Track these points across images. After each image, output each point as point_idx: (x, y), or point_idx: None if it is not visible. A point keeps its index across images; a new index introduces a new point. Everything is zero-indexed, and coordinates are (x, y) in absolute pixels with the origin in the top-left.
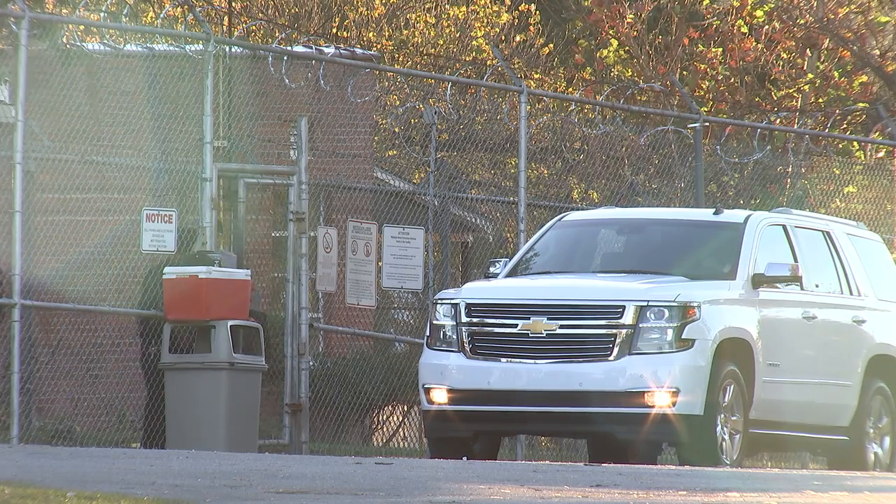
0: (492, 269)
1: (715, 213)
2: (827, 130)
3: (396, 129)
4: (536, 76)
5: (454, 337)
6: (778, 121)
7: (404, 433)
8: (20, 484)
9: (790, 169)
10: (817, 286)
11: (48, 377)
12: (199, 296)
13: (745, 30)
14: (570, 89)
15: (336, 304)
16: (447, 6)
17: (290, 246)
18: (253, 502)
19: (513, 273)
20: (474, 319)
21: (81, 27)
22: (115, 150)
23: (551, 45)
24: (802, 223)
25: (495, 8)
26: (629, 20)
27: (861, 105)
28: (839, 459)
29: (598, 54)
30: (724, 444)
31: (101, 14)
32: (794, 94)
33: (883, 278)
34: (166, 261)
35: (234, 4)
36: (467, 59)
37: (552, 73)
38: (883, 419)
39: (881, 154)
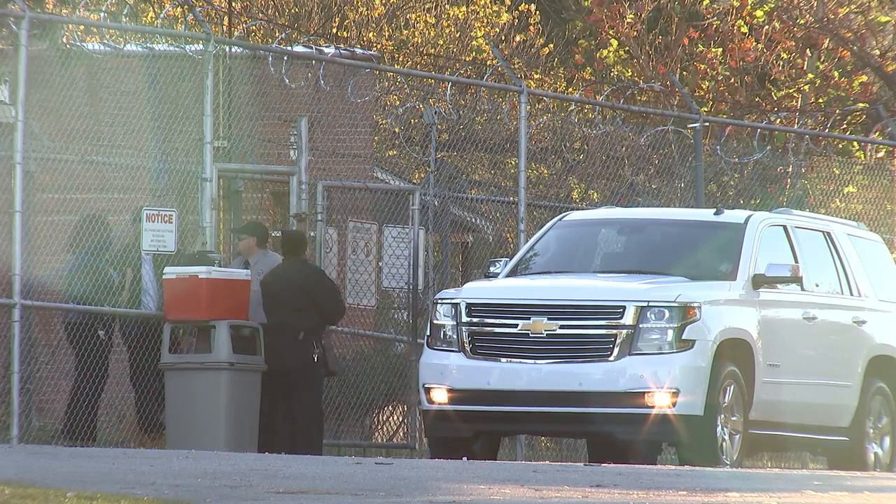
0: (492, 269)
1: (715, 214)
2: (827, 130)
3: (396, 129)
4: (536, 76)
5: (454, 337)
6: (778, 121)
7: (404, 433)
8: (20, 484)
9: (790, 169)
10: (817, 286)
11: (48, 377)
12: (199, 296)
13: (745, 30)
14: (570, 89)
15: None
16: (447, 6)
17: (318, 244)
18: (253, 502)
19: (513, 273)
20: (474, 319)
21: (81, 27)
22: (115, 150)
23: (551, 45)
24: (803, 223)
25: (495, 8)
26: (629, 20)
27: (861, 105)
28: (839, 459)
29: (598, 54)
30: (724, 444)
31: (101, 14)
32: (794, 94)
33: (883, 279)
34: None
35: (234, 4)
36: (467, 59)
37: (552, 73)
38: (883, 419)
39: (881, 154)
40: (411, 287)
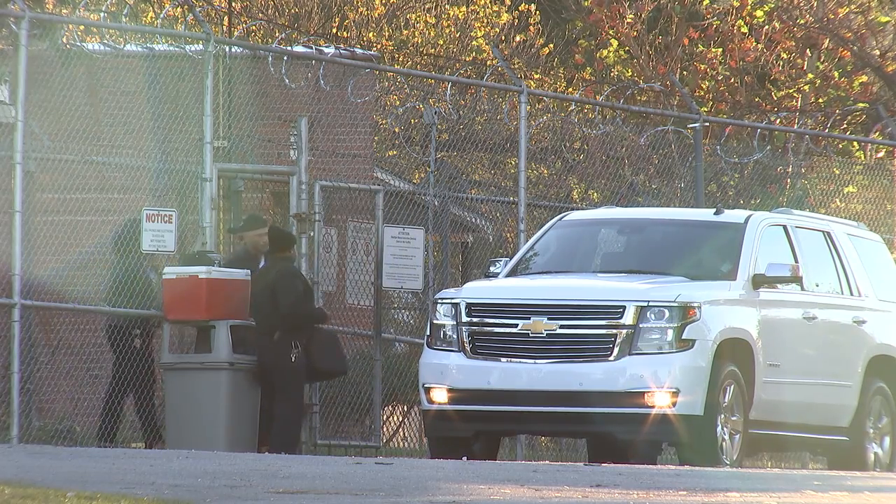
0: (492, 269)
1: (715, 214)
2: (827, 130)
3: (396, 129)
4: (536, 76)
5: (454, 336)
6: (778, 121)
7: (404, 433)
8: (20, 484)
9: (790, 169)
10: (817, 286)
11: (48, 377)
12: (199, 296)
13: (745, 30)
14: (570, 89)
15: (336, 304)
16: (447, 6)
17: (316, 244)
18: (253, 502)
19: (513, 273)
20: (475, 319)
21: (81, 27)
22: (115, 150)
23: (551, 45)
24: (803, 223)
25: (495, 8)
26: (629, 20)
27: (861, 105)
28: (839, 459)
29: (598, 54)
30: (724, 444)
31: (101, 14)
32: (794, 94)
33: (883, 278)
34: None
35: (234, 4)
36: (467, 59)
37: (552, 73)
38: (883, 419)
39: (881, 154)
40: (375, 286)
